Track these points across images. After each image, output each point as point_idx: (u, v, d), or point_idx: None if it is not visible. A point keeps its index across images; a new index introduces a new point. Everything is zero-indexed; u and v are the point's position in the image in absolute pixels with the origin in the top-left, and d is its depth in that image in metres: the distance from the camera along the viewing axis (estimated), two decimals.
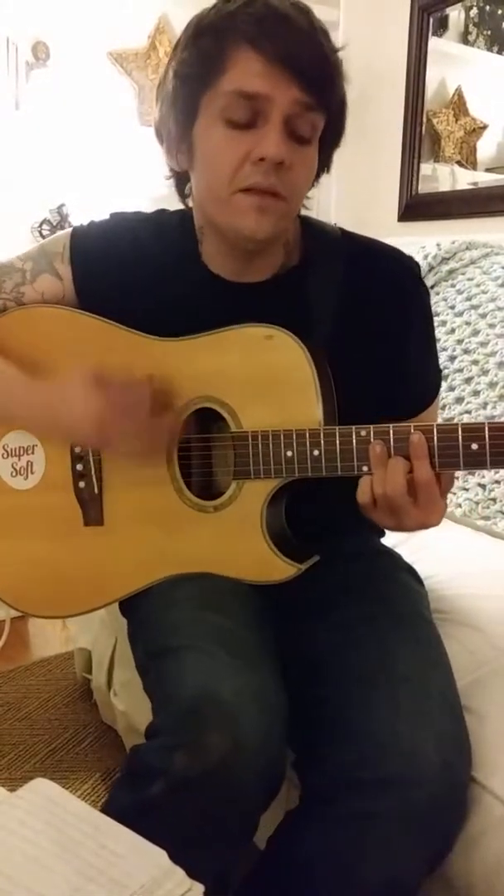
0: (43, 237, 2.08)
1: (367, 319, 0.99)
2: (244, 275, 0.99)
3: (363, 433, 0.87)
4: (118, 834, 0.58)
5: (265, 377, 0.92)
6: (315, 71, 0.86)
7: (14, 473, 1.03)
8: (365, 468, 0.87)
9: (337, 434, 0.88)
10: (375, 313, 0.99)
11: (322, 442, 0.88)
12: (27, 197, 2.10)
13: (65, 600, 1.05)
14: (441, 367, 1.21)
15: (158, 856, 0.56)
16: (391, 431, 0.85)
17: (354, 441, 0.87)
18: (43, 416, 0.96)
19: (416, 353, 1.04)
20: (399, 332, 1.01)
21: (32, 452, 1.03)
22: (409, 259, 1.05)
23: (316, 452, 0.89)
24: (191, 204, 1.03)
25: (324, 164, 0.97)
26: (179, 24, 2.33)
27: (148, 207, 1.06)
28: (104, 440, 0.95)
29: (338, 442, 0.88)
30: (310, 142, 0.90)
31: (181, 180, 1.02)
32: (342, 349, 0.93)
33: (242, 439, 0.92)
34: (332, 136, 0.94)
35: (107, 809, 0.84)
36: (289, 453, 0.90)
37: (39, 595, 1.05)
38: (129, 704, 1.44)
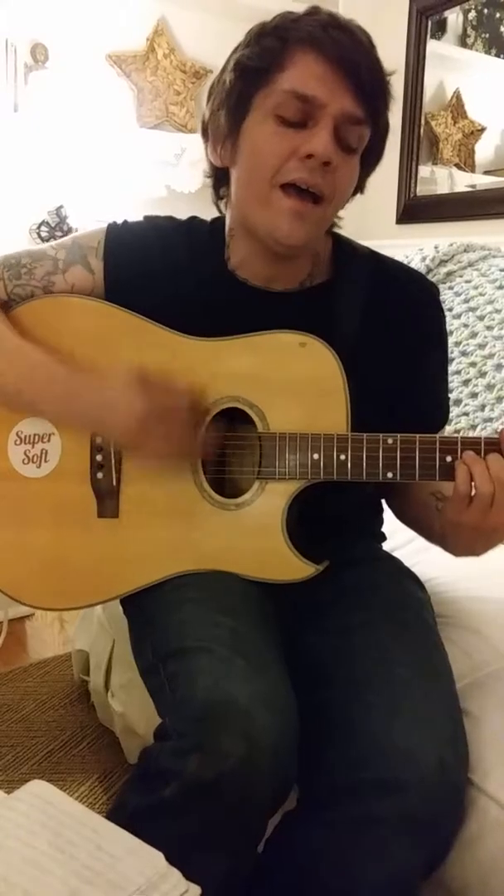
0: (42, 239, 2.09)
1: (388, 341, 1.00)
2: (271, 282, 1.00)
3: (390, 441, 0.89)
4: (115, 836, 0.58)
5: (296, 382, 0.94)
6: (371, 83, 0.89)
7: (26, 461, 1.01)
8: (390, 475, 0.90)
9: (365, 440, 0.90)
10: (396, 336, 1.01)
11: (349, 447, 0.90)
12: (26, 198, 2.10)
13: (69, 592, 1.03)
14: None
15: (155, 857, 0.56)
16: (438, 441, 0.88)
17: (381, 448, 0.89)
18: (78, 409, 0.95)
19: (433, 379, 1.07)
20: (417, 357, 1.03)
21: (48, 440, 1.01)
22: (432, 285, 1.08)
23: (343, 457, 0.90)
24: (223, 209, 1.04)
25: (359, 186, 0.98)
26: (178, 26, 2.34)
27: (145, 209, 1.07)
28: (140, 442, 0.94)
29: (365, 448, 0.90)
30: (355, 152, 0.92)
31: (219, 179, 1.02)
32: (360, 368, 0.94)
33: (270, 439, 0.93)
34: (371, 158, 0.96)
35: (116, 810, 0.84)
36: (315, 456, 0.91)
37: (43, 586, 1.03)
38: (127, 706, 1.44)
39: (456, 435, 0.90)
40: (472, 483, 0.86)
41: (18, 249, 1.05)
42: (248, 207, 0.95)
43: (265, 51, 0.89)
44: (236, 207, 0.98)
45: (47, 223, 2.11)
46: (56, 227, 2.11)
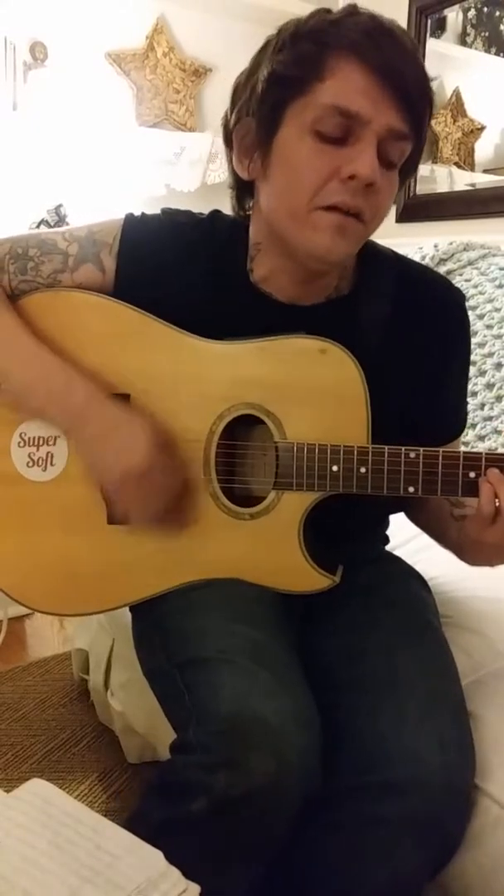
0: None
1: (411, 348, 0.98)
2: (297, 297, 0.96)
3: (412, 455, 0.87)
4: (115, 835, 0.58)
5: (315, 390, 0.91)
6: (417, 95, 0.83)
7: (31, 464, 0.98)
8: (411, 489, 0.87)
9: (386, 453, 0.87)
10: (419, 342, 0.98)
11: (370, 460, 0.88)
12: (25, 197, 2.10)
13: (77, 599, 1.01)
14: None
15: (155, 856, 0.56)
16: (462, 456, 0.86)
17: (403, 462, 0.87)
18: (84, 433, 0.91)
19: (454, 387, 1.05)
20: (439, 363, 1.00)
21: (53, 443, 0.97)
22: (458, 290, 1.04)
23: (363, 470, 0.88)
24: (240, 215, 0.99)
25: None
26: (177, 24, 2.34)
27: (145, 208, 1.03)
28: (119, 497, 0.91)
29: (386, 462, 0.87)
30: (395, 167, 0.88)
31: (243, 190, 0.97)
32: (383, 374, 0.91)
33: (287, 450, 0.91)
34: (409, 167, 0.91)
35: (136, 821, 0.83)
36: (335, 468, 0.89)
37: (50, 591, 1.01)
38: (127, 705, 1.44)
39: (479, 451, 0.88)
40: (497, 502, 0.84)
41: (26, 234, 1.00)
42: (283, 226, 0.89)
43: (302, 58, 0.82)
44: (267, 223, 0.93)
45: (46, 222, 2.11)
46: (55, 225, 2.11)
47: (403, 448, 0.87)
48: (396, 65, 0.81)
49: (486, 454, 0.86)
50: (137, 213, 1.00)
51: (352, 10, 0.83)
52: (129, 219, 0.99)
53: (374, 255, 1.01)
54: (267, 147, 0.87)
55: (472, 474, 0.86)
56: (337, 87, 0.81)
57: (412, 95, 0.82)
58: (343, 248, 0.88)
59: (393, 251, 1.03)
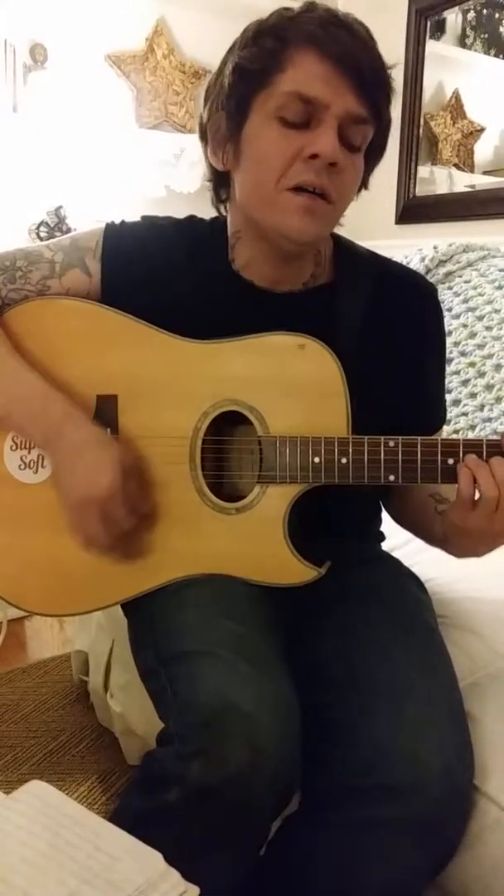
0: (41, 239, 2.08)
1: (388, 341, 1.00)
2: (277, 283, 0.99)
3: (391, 444, 0.89)
4: (114, 836, 0.58)
5: (295, 385, 0.93)
6: (373, 80, 0.88)
7: (23, 466, 1.00)
8: (392, 477, 0.89)
9: (366, 443, 0.89)
10: (397, 336, 1.01)
11: (350, 450, 0.90)
12: (25, 199, 2.10)
13: (70, 599, 1.03)
14: None
15: (154, 858, 0.56)
16: (440, 443, 0.88)
17: (383, 451, 0.89)
18: (57, 448, 0.93)
19: (432, 379, 1.07)
20: (416, 357, 1.03)
21: None
22: (431, 284, 1.08)
23: (344, 460, 0.90)
24: (223, 211, 1.03)
25: (363, 181, 0.97)
26: (177, 26, 2.34)
27: (145, 209, 1.06)
28: (75, 514, 0.93)
29: (366, 451, 0.89)
30: (359, 150, 0.91)
31: (220, 182, 1.01)
32: (362, 367, 0.93)
33: (270, 443, 0.93)
34: (374, 153, 0.95)
35: (119, 814, 0.84)
36: (316, 459, 0.91)
37: (43, 592, 1.02)
38: (126, 707, 1.44)
39: (457, 437, 0.89)
40: (476, 487, 0.86)
41: (12, 248, 1.03)
42: (255, 211, 0.94)
43: (263, 52, 0.87)
44: (241, 210, 0.97)
45: (46, 223, 2.12)
46: (55, 227, 2.11)
47: (382, 437, 0.89)
48: (352, 52, 0.86)
49: (464, 440, 0.88)
50: (118, 220, 1.04)
51: (309, 7, 0.89)
52: (110, 224, 1.03)
53: (350, 248, 1.05)
54: (237, 138, 0.92)
55: (450, 461, 0.88)
56: (297, 76, 0.86)
57: (368, 80, 0.87)
58: (313, 229, 0.91)
59: (368, 249, 1.06)
